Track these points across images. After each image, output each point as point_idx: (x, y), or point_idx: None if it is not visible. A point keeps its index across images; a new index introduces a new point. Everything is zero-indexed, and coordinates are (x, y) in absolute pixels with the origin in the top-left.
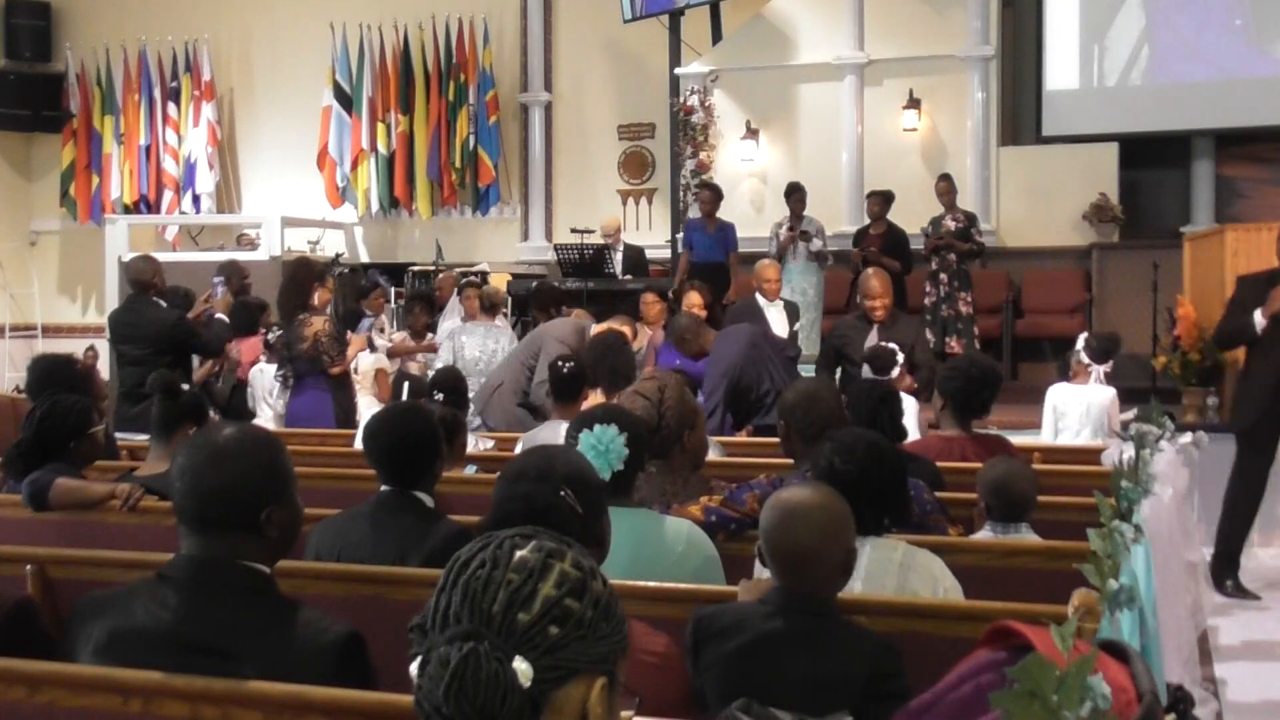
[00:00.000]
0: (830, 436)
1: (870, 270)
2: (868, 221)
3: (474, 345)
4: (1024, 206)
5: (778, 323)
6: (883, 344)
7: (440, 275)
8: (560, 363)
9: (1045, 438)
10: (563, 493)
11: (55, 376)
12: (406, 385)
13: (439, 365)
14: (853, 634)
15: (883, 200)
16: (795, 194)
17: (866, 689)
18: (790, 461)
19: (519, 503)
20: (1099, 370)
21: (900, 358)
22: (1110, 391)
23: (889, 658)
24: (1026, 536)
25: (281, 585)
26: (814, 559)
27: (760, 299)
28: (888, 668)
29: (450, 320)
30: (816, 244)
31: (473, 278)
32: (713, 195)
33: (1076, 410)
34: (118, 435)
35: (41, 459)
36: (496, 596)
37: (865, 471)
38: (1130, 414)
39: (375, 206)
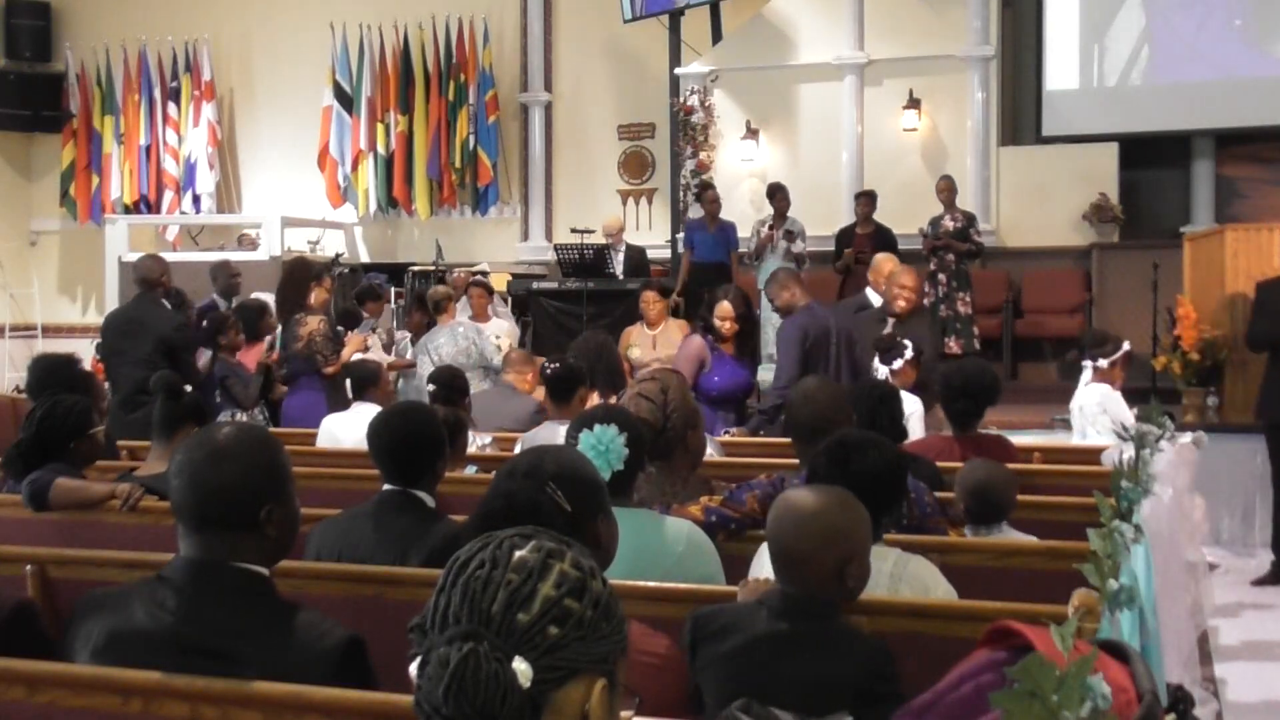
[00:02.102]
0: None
1: (904, 266)
2: (852, 221)
3: (449, 347)
4: (1024, 206)
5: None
6: (893, 335)
7: (457, 275)
8: (548, 365)
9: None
10: (549, 489)
11: (55, 376)
12: (350, 381)
13: (420, 373)
14: (847, 637)
15: (870, 201)
16: (779, 194)
17: (860, 691)
18: (794, 461)
19: (500, 500)
20: (1089, 368)
21: (909, 351)
22: (1099, 389)
23: (881, 660)
24: (1008, 535)
25: (281, 585)
26: (803, 563)
27: (871, 297)
28: (880, 670)
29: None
30: (799, 245)
31: (479, 275)
32: (717, 194)
33: (1076, 416)
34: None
35: (41, 459)
36: (496, 596)
37: (847, 473)
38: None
39: (374, 206)
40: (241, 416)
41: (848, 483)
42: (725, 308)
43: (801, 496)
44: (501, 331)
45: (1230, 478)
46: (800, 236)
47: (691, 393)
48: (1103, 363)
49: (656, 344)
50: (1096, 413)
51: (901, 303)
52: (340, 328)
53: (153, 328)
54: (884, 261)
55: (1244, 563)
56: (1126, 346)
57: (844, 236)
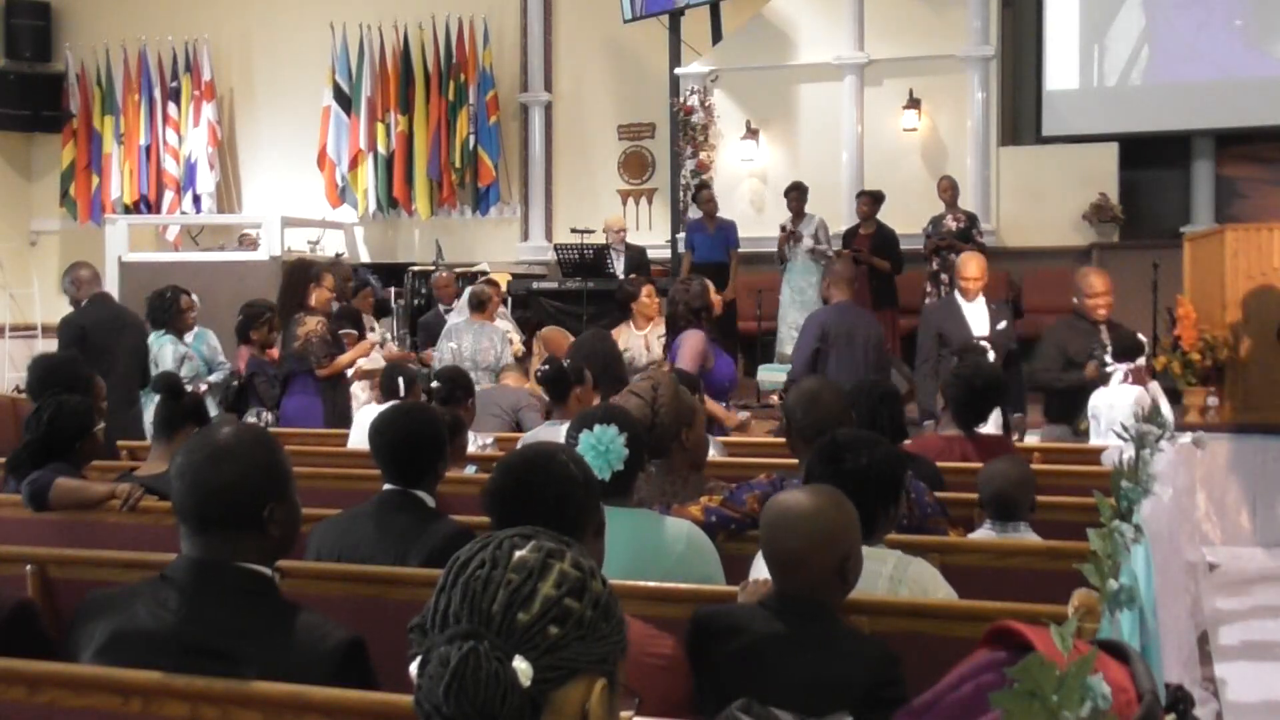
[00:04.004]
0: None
1: (1088, 267)
2: (857, 222)
3: (467, 343)
4: (1024, 206)
5: (977, 322)
6: (976, 341)
7: (440, 275)
8: (538, 368)
9: (1092, 441)
10: (562, 456)
11: (56, 376)
12: (402, 379)
13: (438, 364)
14: (853, 639)
15: (872, 200)
16: (792, 192)
17: (865, 695)
18: (794, 461)
19: (518, 456)
20: (1122, 370)
21: (991, 355)
22: (1133, 392)
23: (888, 665)
24: (1025, 536)
25: (281, 585)
26: (801, 564)
27: (958, 297)
28: (887, 675)
29: (460, 317)
30: (807, 243)
31: (486, 277)
32: (712, 194)
33: (1105, 412)
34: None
35: (45, 459)
36: (496, 596)
37: (839, 472)
38: None
39: (374, 206)
40: (266, 415)
41: (840, 481)
42: (708, 284)
43: (795, 499)
44: (512, 328)
45: (1230, 478)
46: (818, 232)
47: (689, 392)
48: (1141, 361)
49: (650, 345)
50: (1124, 416)
51: (1102, 311)
52: (353, 330)
53: (136, 326)
54: (962, 263)
55: (1244, 563)
56: (1142, 338)
57: (849, 237)
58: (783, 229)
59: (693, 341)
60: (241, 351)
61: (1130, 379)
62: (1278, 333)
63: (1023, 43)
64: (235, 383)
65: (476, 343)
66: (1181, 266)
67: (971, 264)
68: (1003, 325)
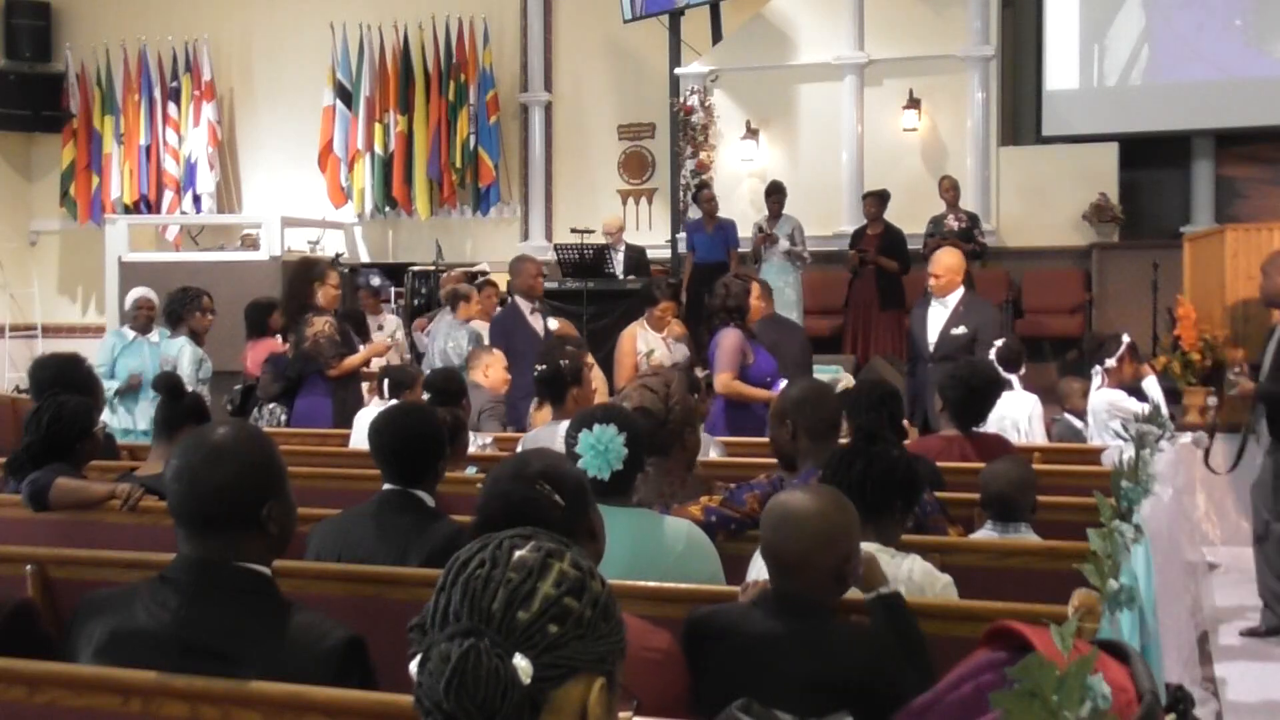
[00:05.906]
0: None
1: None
2: (864, 222)
3: (439, 341)
4: (1024, 206)
5: (934, 324)
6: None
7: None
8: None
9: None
10: (540, 487)
11: (62, 377)
12: (387, 382)
13: (428, 366)
14: (852, 638)
15: (879, 200)
16: (774, 195)
17: (864, 695)
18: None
19: (497, 500)
20: (1098, 373)
21: (1023, 359)
22: (1106, 394)
23: (886, 659)
24: (1026, 536)
25: (281, 585)
26: (803, 565)
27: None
28: (886, 675)
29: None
30: (784, 244)
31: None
32: (712, 194)
33: (1091, 416)
34: None
35: (45, 459)
36: (496, 595)
37: (869, 452)
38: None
39: (370, 206)
40: (280, 415)
41: (869, 459)
42: (756, 287)
43: (798, 500)
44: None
45: (1231, 478)
46: (790, 237)
47: (693, 394)
48: (1110, 362)
49: (670, 347)
50: (1106, 419)
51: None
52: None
53: None
54: (934, 260)
55: (1244, 563)
56: (1126, 339)
57: (856, 238)
58: (759, 229)
59: (728, 340)
60: (248, 351)
61: (1107, 381)
62: None
63: (1023, 43)
64: (240, 385)
65: (444, 344)
66: (1181, 266)
67: (937, 259)
68: (959, 330)
